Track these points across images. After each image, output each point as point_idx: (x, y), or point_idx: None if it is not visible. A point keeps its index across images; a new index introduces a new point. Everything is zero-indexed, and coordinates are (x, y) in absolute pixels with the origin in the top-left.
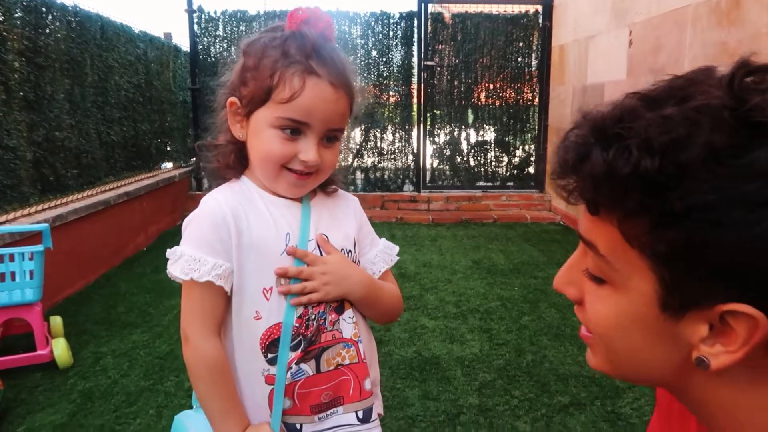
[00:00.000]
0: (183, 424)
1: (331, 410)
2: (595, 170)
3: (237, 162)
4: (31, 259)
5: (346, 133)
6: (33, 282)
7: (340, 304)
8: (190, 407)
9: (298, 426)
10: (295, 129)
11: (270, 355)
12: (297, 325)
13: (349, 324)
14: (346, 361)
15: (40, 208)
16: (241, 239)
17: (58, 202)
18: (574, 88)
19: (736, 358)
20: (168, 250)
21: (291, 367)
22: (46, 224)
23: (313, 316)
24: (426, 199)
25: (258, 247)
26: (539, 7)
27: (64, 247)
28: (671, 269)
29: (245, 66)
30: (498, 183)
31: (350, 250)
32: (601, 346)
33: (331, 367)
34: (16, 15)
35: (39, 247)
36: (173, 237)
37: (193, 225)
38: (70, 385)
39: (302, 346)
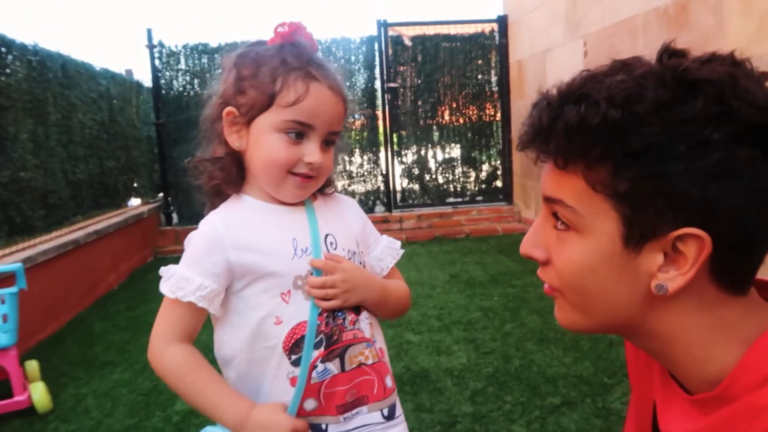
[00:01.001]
0: None
1: (356, 410)
2: (569, 123)
3: (237, 175)
4: (3, 302)
5: None
6: (7, 326)
7: (357, 305)
8: None
9: (324, 426)
10: (299, 132)
11: (294, 357)
12: (318, 322)
13: (366, 324)
14: (369, 361)
15: (8, 251)
16: (246, 256)
17: (27, 244)
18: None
19: (689, 278)
20: (162, 267)
21: (316, 366)
22: (20, 264)
23: (331, 315)
24: (398, 218)
25: (268, 257)
26: (495, 26)
27: (35, 289)
28: (631, 204)
29: (240, 75)
30: (467, 198)
31: (355, 252)
32: (570, 295)
33: (354, 366)
34: None
35: (13, 289)
36: (145, 274)
37: (189, 245)
38: (50, 429)
39: (324, 344)
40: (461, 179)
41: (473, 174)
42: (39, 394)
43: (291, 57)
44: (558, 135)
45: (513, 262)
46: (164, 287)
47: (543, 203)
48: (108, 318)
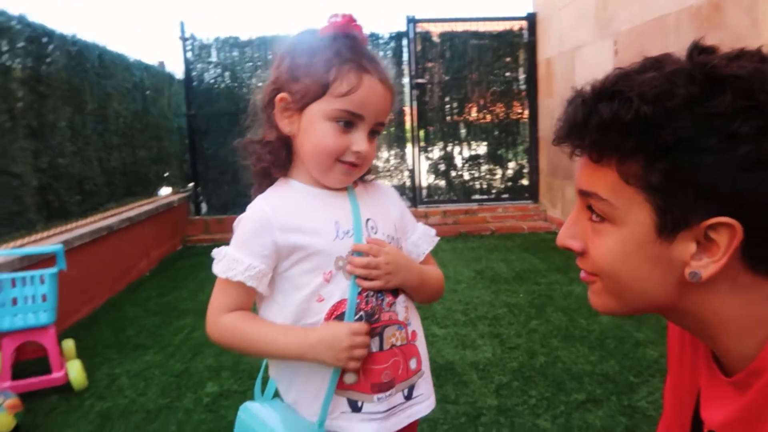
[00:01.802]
0: (255, 415)
1: (389, 392)
2: (602, 119)
3: (286, 158)
4: (42, 282)
5: None
6: (47, 304)
7: (395, 288)
8: (210, 422)
9: (359, 404)
10: (348, 121)
11: None
12: (358, 301)
13: (402, 307)
14: (398, 342)
15: (45, 234)
16: (292, 237)
17: (63, 228)
18: (563, 99)
19: (721, 265)
20: (215, 249)
21: None
22: (60, 245)
23: (371, 294)
24: (423, 214)
25: (312, 238)
26: (524, 23)
27: (71, 272)
28: (663, 195)
29: (295, 63)
30: (493, 196)
31: (394, 237)
32: (606, 281)
33: (388, 347)
34: (19, 45)
35: (53, 270)
36: (175, 262)
37: (238, 228)
38: (87, 406)
39: (364, 321)
40: (487, 176)
41: (499, 171)
42: (75, 371)
43: (345, 48)
44: (592, 130)
45: (538, 260)
46: (216, 268)
47: (577, 196)
48: (139, 303)
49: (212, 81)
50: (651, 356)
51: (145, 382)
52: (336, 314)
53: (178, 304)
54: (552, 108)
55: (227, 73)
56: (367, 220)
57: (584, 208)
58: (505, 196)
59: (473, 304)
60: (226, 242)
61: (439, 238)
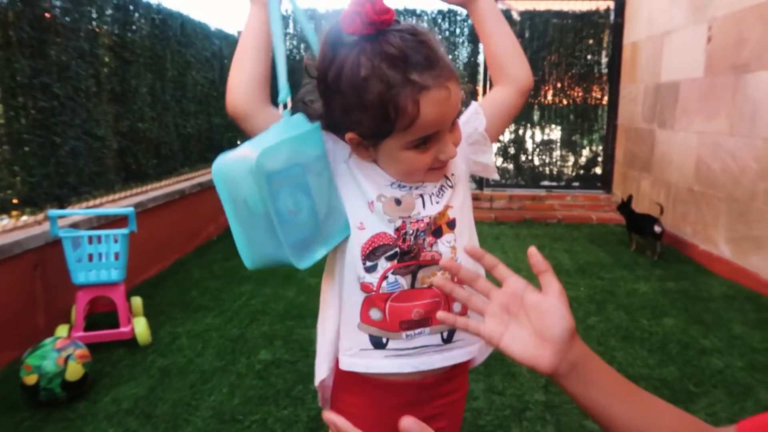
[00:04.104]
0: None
1: (420, 329)
2: None
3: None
4: (116, 241)
5: None
6: (118, 263)
7: (438, 228)
8: (260, 388)
9: (384, 340)
10: (426, 140)
11: (368, 263)
12: (395, 236)
13: (447, 247)
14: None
15: (123, 195)
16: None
17: (139, 189)
18: (647, 86)
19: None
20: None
21: (387, 277)
22: (132, 208)
23: (411, 231)
24: (489, 197)
25: (360, 169)
26: (611, 4)
27: (144, 232)
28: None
29: (348, 104)
30: (563, 183)
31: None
32: None
33: (425, 285)
34: (107, 12)
35: (124, 231)
36: None
37: None
38: (149, 361)
39: (398, 257)
40: (558, 163)
41: (572, 158)
42: (141, 327)
43: (390, 71)
44: None
45: (605, 253)
46: None
47: None
48: (205, 266)
49: (288, 52)
50: (716, 366)
51: (203, 343)
52: (372, 246)
53: (241, 270)
54: (635, 95)
55: (302, 45)
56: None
57: None
58: (576, 184)
59: None
60: None
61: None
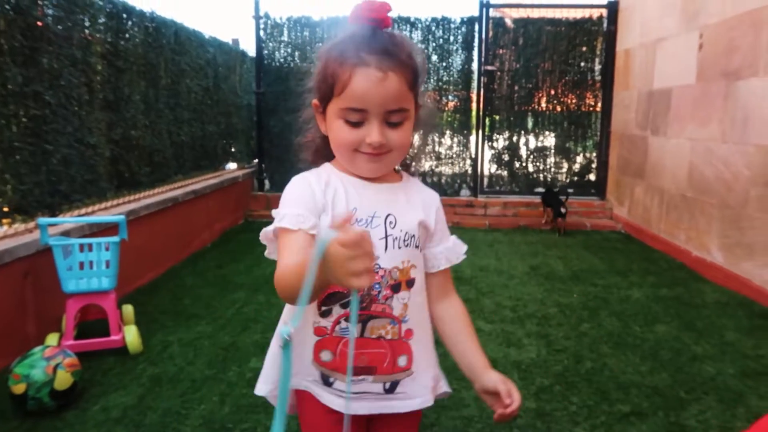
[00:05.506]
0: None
1: (362, 376)
2: None
3: (323, 155)
4: (107, 249)
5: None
6: (109, 271)
7: (397, 284)
8: (250, 397)
9: (331, 380)
10: (357, 120)
11: (323, 308)
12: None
13: (400, 303)
14: (388, 336)
15: (115, 202)
16: (318, 205)
17: (132, 197)
18: (640, 93)
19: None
20: (273, 210)
21: (340, 322)
22: (122, 216)
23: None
24: (483, 204)
25: (325, 218)
26: (604, 11)
27: (136, 240)
28: None
29: (318, 70)
30: (557, 190)
31: (413, 236)
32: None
33: (374, 336)
34: (100, 20)
35: (115, 239)
36: (236, 235)
37: (287, 193)
38: (139, 369)
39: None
40: (552, 169)
41: (566, 165)
42: (132, 336)
43: (347, 46)
44: None
45: (598, 260)
46: (282, 223)
47: None
48: (199, 273)
49: (282, 60)
50: (707, 373)
51: (195, 351)
52: (328, 293)
53: (234, 278)
54: (628, 102)
55: (297, 53)
56: (388, 215)
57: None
58: (570, 190)
59: (523, 301)
60: None
61: (465, 257)
